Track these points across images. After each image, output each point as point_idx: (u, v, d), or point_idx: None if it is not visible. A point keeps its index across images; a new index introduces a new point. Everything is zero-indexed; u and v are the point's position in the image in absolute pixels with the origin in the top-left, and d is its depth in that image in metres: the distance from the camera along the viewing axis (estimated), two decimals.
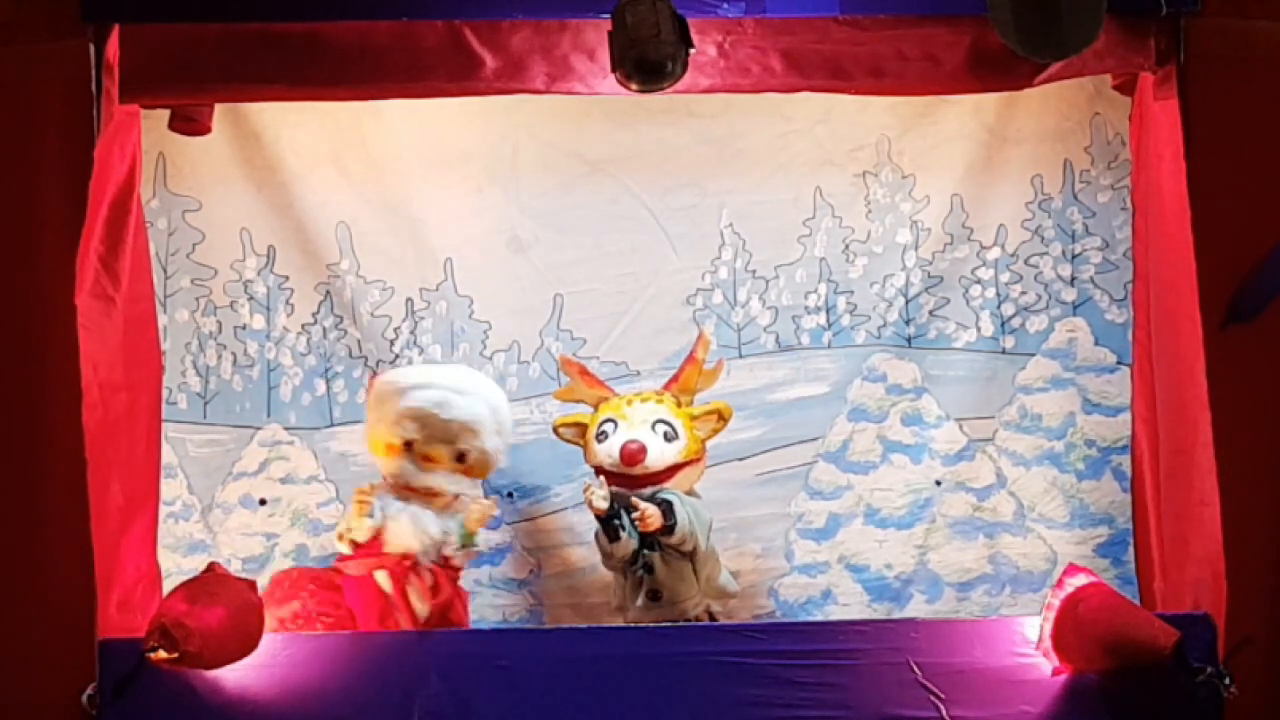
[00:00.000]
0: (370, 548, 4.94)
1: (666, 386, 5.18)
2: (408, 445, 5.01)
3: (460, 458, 5.04)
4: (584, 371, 5.23)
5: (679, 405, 5.11)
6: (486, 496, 5.31)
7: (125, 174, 4.68)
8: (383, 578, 4.91)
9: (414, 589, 4.93)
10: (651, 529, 4.90)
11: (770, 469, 5.46)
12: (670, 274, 5.51)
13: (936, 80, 4.85)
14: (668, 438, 5.04)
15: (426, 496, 5.01)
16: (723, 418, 5.13)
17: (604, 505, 4.91)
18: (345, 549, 4.94)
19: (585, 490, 4.94)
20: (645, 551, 4.99)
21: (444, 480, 5.02)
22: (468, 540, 4.99)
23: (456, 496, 5.05)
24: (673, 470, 5.04)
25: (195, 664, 4.35)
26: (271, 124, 5.37)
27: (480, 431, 5.05)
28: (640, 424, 5.04)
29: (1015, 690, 4.54)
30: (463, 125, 5.42)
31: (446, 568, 5.00)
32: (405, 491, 5.00)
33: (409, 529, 4.95)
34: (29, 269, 4.61)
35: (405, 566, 4.93)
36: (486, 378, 5.26)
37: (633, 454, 4.98)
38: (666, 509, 4.93)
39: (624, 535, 4.94)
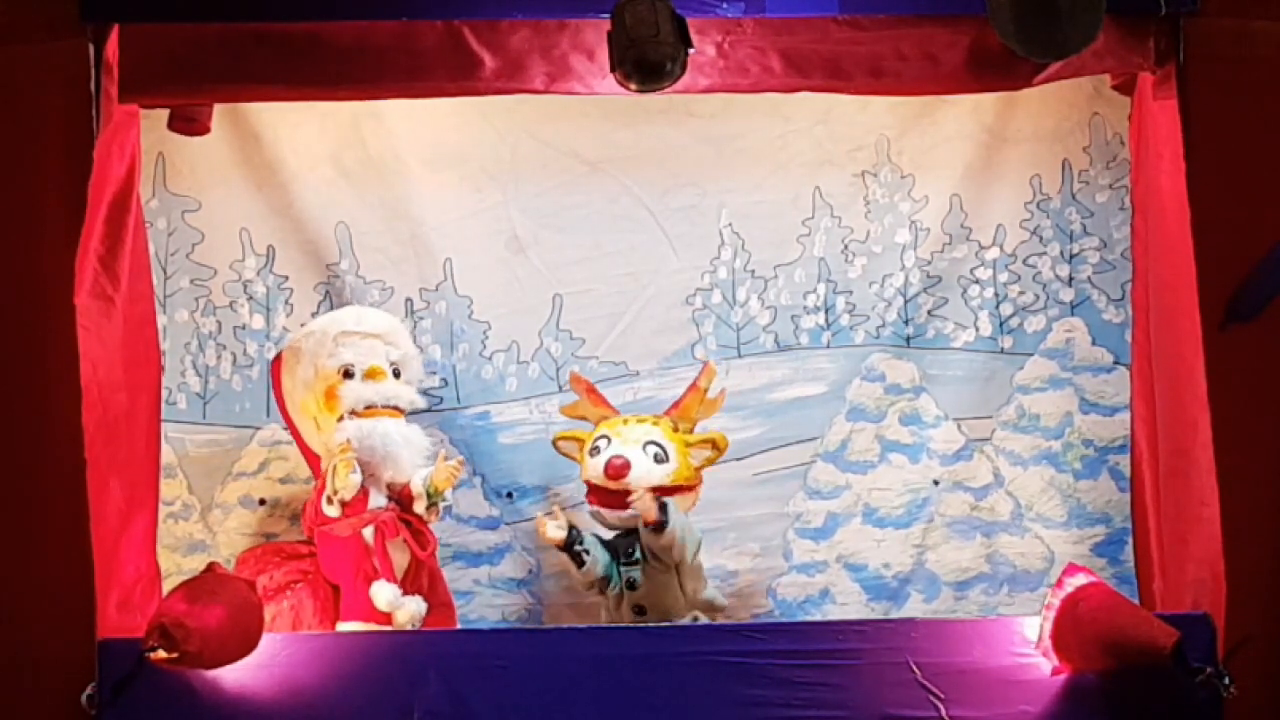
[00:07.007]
0: (355, 507, 4.92)
1: (669, 412, 5.15)
2: (347, 372, 5.01)
3: (396, 374, 5.06)
4: (591, 390, 5.20)
5: (675, 430, 5.08)
6: (485, 497, 5.32)
7: (124, 174, 4.67)
8: (368, 533, 4.91)
9: (395, 543, 4.92)
10: (650, 521, 4.89)
11: (769, 468, 5.46)
12: (669, 274, 5.51)
13: (936, 80, 4.86)
14: (658, 459, 5.00)
15: (391, 415, 5.00)
16: (717, 447, 5.08)
17: (560, 535, 4.95)
18: (334, 512, 4.91)
19: (538, 523, 4.99)
20: (623, 568, 5.00)
21: (398, 390, 5.03)
22: (435, 498, 4.97)
23: (401, 409, 5.03)
24: (660, 492, 4.98)
25: (195, 664, 4.34)
26: (271, 124, 5.37)
27: (398, 339, 5.11)
28: (632, 442, 5.01)
29: (1015, 690, 4.54)
30: (462, 125, 5.42)
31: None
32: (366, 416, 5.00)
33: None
34: (29, 269, 4.59)
35: (391, 521, 4.92)
36: None
37: (616, 469, 4.95)
38: (661, 506, 4.92)
39: (588, 559, 4.97)
